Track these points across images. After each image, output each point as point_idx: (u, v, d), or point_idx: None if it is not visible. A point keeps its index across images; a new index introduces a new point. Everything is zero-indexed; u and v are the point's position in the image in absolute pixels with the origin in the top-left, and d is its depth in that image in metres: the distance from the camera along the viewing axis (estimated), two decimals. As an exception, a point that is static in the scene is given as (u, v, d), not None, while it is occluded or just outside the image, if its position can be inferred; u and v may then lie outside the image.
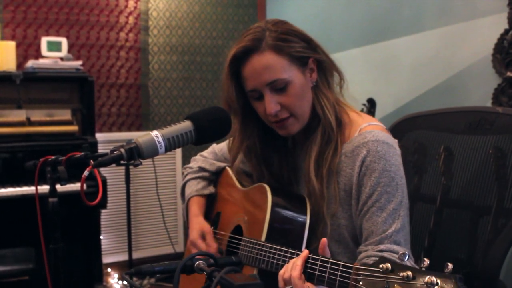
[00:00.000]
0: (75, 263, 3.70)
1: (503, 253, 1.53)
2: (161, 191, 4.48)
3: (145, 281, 4.07)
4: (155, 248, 4.56)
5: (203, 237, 1.79)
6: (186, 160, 4.46)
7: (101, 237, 3.86)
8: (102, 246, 3.91)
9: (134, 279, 3.84)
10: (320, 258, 1.31)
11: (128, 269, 4.16)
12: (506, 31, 2.91)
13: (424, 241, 1.77)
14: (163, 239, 4.55)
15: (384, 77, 3.73)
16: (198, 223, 1.82)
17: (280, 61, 1.53)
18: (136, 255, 4.34)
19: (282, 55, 1.53)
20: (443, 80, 3.28)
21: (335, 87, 1.65)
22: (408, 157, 1.85)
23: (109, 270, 4.27)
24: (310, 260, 1.33)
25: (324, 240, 1.36)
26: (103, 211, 3.76)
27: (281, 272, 1.37)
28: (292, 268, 1.34)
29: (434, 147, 1.82)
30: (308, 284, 1.32)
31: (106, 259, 4.19)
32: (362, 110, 3.30)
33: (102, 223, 3.87)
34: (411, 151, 1.87)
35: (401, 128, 1.94)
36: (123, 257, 4.28)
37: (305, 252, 1.35)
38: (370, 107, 3.36)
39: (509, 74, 2.88)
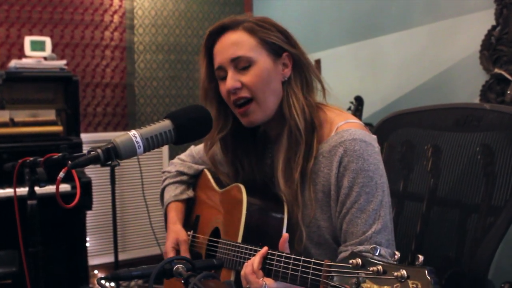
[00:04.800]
0: (61, 265, 3.66)
1: (492, 252, 1.51)
2: (147, 191, 4.45)
3: (132, 282, 4.03)
4: (141, 249, 4.52)
5: (177, 247, 1.77)
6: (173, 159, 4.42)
7: (87, 239, 3.81)
8: (88, 248, 3.87)
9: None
10: (276, 253, 1.33)
11: (115, 270, 4.14)
12: (494, 28, 2.90)
13: (412, 239, 1.76)
14: (150, 240, 4.52)
15: (372, 74, 3.71)
16: (175, 232, 1.80)
17: (249, 41, 1.54)
18: (122, 256, 4.31)
19: (253, 36, 1.54)
20: (430, 77, 3.26)
21: (315, 91, 1.61)
22: (395, 155, 1.83)
23: (95, 271, 4.23)
24: (269, 256, 1.35)
25: (285, 235, 1.37)
26: (88, 212, 3.72)
27: (242, 272, 1.38)
28: (247, 265, 1.36)
29: (421, 144, 1.80)
30: (266, 279, 1.33)
31: (92, 261, 4.15)
32: (349, 108, 3.29)
33: (88, 224, 3.82)
34: (398, 148, 1.85)
35: (388, 125, 1.92)
36: (110, 258, 4.25)
37: (264, 249, 1.37)
38: (358, 104, 3.33)
39: (496, 70, 2.87)
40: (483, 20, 2.93)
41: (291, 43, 1.57)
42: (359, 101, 3.35)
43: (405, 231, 1.77)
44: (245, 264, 1.37)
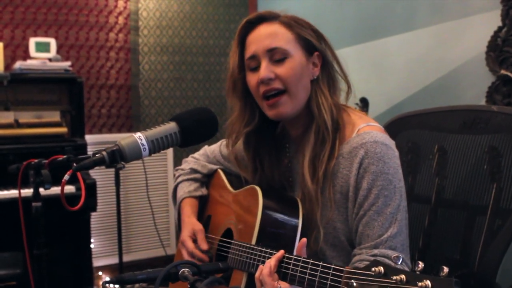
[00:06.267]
0: (65, 266, 3.66)
1: (500, 255, 1.50)
2: (152, 193, 4.44)
3: (137, 285, 4.02)
4: (146, 251, 4.51)
5: (194, 236, 1.76)
6: (177, 161, 4.41)
7: (92, 240, 3.81)
8: (93, 249, 3.86)
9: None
10: (293, 257, 1.31)
11: (119, 272, 4.14)
12: (500, 29, 2.88)
13: (418, 241, 1.75)
14: (154, 241, 4.51)
15: (377, 76, 3.69)
16: (191, 223, 1.79)
17: (287, 34, 1.54)
18: (127, 258, 4.30)
19: (290, 30, 1.55)
20: (436, 79, 3.25)
21: (338, 93, 1.61)
22: (402, 157, 1.81)
23: (100, 273, 4.22)
24: (285, 260, 1.33)
25: (303, 240, 1.35)
26: (93, 213, 3.71)
27: (257, 274, 1.36)
28: (264, 267, 1.33)
29: (427, 146, 1.79)
30: (282, 282, 1.31)
31: (97, 262, 4.14)
32: (354, 110, 3.27)
33: (92, 225, 3.82)
34: (404, 150, 1.84)
35: (394, 127, 1.91)
36: (114, 260, 4.24)
37: (280, 252, 1.35)
38: (363, 106, 3.32)
39: (503, 72, 2.85)
40: (489, 21, 2.91)
41: (323, 44, 1.59)
42: (364, 102, 3.34)
43: (411, 233, 1.75)
44: (261, 266, 1.36)
